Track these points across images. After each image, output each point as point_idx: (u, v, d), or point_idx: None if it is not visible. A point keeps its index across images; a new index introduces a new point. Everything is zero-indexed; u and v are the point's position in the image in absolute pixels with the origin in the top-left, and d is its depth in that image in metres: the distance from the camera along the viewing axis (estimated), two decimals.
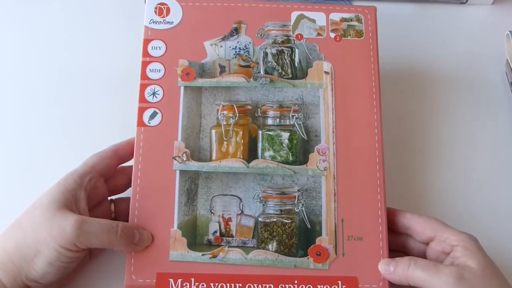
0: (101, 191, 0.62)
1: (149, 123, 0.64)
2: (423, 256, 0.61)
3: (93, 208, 0.62)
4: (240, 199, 0.65)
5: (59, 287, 0.60)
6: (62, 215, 0.55)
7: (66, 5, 0.87)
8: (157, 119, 0.64)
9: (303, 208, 0.63)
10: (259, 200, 0.64)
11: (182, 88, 0.65)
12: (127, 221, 0.61)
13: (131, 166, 0.63)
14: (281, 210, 0.63)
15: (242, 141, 0.65)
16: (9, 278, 0.55)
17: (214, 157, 0.65)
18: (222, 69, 0.67)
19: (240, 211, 0.65)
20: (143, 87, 0.65)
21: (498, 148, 0.76)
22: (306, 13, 0.68)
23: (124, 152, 0.64)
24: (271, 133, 0.65)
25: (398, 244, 0.63)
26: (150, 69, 0.65)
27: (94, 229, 0.56)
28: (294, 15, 0.68)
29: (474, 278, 0.54)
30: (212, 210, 0.65)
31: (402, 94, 0.79)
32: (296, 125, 0.65)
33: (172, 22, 0.67)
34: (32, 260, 0.55)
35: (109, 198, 0.65)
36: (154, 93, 0.65)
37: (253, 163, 0.63)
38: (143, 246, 0.60)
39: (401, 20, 0.87)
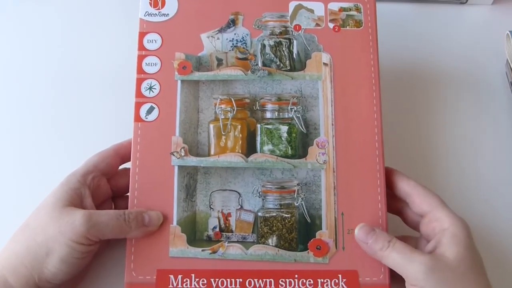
0: (104, 190, 0.63)
1: (146, 118, 0.63)
2: (416, 227, 0.62)
3: (98, 207, 0.61)
4: (240, 194, 0.65)
5: (71, 287, 0.61)
6: (69, 212, 0.56)
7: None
8: (154, 114, 0.63)
9: (302, 202, 0.63)
10: (258, 195, 0.64)
11: (179, 82, 0.64)
12: None
13: None
14: (280, 205, 0.63)
15: (241, 135, 0.64)
16: (21, 282, 0.55)
17: (212, 152, 0.65)
18: (219, 62, 0.66)
19: (239, 206, 0.65)
20: (139, 82, 0.64)
21: (498, 147, 0.75)
22: (304, 3, 0.67)
23: (125, 151, 0.63)
24: (269, 126, 0.64)
25: (396, 209, 0.64)
26: (146, 63, 0.64)
27: (103, 219, 0.56)
28: (292, 5, 0.67)
29: (447, 269, 0.53)
30: (211, 206, 0.65)
31: (402, 93, 0.79)
32: (295, 118, 0.64)
33: (168, 14, 0.66)
34: (44, 259, 0.55)
35: None
36: (150, 88, 0.64)
37: (252, 158, 0.63)
38: (156, 226, 0.60)
39: (401, 20, 0.86)
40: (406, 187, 0.61)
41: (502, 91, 0.80)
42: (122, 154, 0.64)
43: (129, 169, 0.63)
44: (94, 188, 0.61)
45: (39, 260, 0.55)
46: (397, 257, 0.55)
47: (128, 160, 0.63)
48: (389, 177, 0.63)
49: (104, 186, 0.63)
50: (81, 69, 0.81)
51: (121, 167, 0.65)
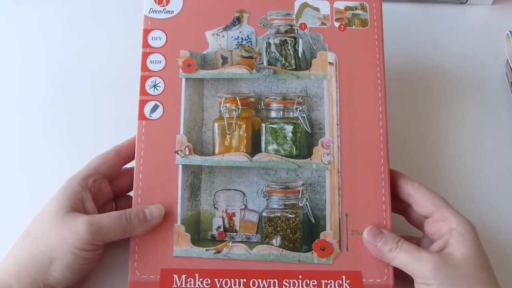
0: (105, 192, 0.62)
1: (151, 116, 0.62)
2: (420, 226, 0.61)
3: (99, 209, 0.61)
4: (244, 194, 0.64)
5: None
6: (71, 218, 0.55)
7: None
8: (159, 112, 0.63)
9: (307, 203, 0.63)
10: (263, 194, 0.63)
11: (183, 80, 0.64)
12: None
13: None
14: (285, 205, 0.63)
15: (245, 134, 0.64)
16: None
17: (217, 151, 0.64)
18: (224, 60, 0.65)
19: (244, 206, 0.64)
20: (143, 79, 0.64)
21: (498, 147, 0.75)
22: (310, 2, 0.66)
23: (127, 152, 0.63)
24: (274, 126, 0.64)
25: (399, 209, 0.63)
26: (150, 60, 0.64)
27: (105, 223, 0.56)
28: (298, 3, 0.66)
29: (456, 267, 0.54)
30: (215, 205, 0.64)
31: (402, 93, 0.79)
32: (300, 118, 0.64)
33: (172, 11, 0.66)
34: (48, 266, 0.54)
35: None
36: (155, 86, 0.63)
37: (257, 157, 0.62)
38: (158, 219, 0.59)
39: (401, 20, 0.86)
40: (409, 189, 0.61)
41: (502, 91, 0.80)
42: (124, 155, 0.63)
43: (130, 169, 0.62)
44: (95, 191, 0.60)
45: (43, 268, 0.54)
46: (405, 257, 0.55)
47: (130, 161, 0.63)
48: (391, 179, 0.62)
49: (106, 189, 0.62)
50: (81, 69, 0.81)
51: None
